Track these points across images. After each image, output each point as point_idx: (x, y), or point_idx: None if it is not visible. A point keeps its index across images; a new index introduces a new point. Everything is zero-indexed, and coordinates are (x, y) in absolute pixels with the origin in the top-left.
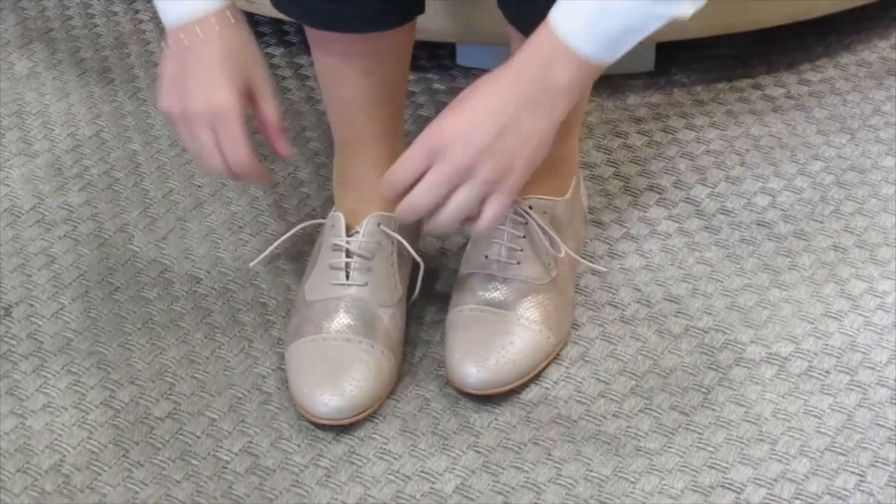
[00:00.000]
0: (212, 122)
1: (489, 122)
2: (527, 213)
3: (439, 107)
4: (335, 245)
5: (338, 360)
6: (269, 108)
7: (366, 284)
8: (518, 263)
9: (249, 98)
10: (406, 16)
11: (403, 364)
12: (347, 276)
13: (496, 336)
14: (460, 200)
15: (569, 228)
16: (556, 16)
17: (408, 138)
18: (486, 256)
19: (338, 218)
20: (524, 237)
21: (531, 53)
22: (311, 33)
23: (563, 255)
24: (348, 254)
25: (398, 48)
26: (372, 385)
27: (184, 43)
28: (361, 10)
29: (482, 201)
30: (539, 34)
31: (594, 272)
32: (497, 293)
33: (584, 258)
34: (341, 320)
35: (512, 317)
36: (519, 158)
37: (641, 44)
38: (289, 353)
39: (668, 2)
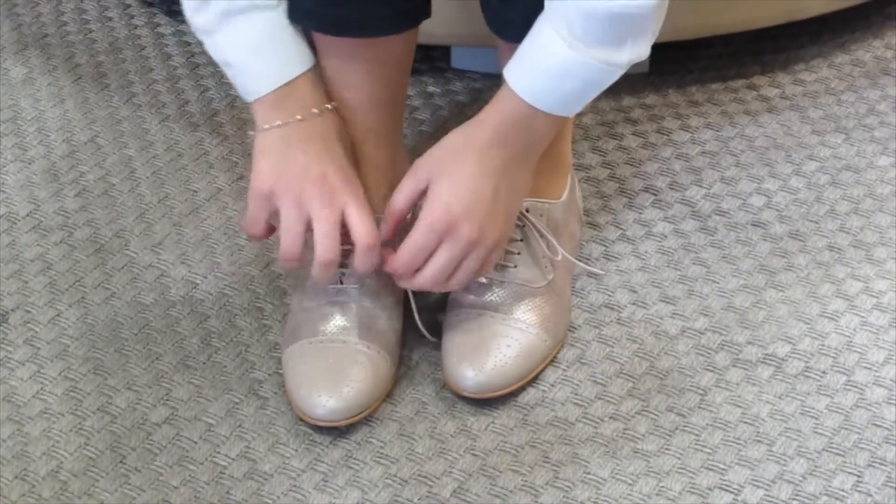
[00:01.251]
0: (321, 198)
1: (486, 191)
2: (524, 216)
3: (434, 110)
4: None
5: (335, 362)
6: (368, 226)
7: (362, 286)
8: (515, 266)
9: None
10: (413, 21)
11: (400, 367)
12: (344, 279)
13: (493, 339)
14: (470, 266)
15: (565, 231)
16: (518, 83)
17: (405, 141)
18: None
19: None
20: (521, 240)
21: (507, 112)
22: (318, 38)
23: (559, 257)
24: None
25: (402, 52)
26: (369, 386)
27: (278, 124)
28: (368, 15)
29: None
30: (507, 98)
31: (590, 274)
32: (494, 296)
33: (580, 260)
34: (337, 322)
35: (509, 320)
36: (513, 214)
37: None
38: (285, 356)
39: (618, 50)
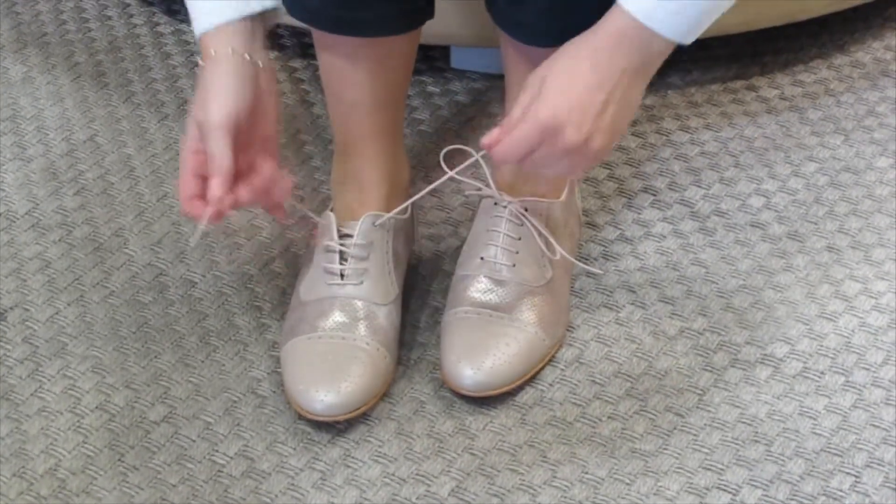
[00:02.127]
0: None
1: (598, 98)
2: (523, 215)
3: (433, 109)
4: (329, 245)
5: (333, 358)
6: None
7: (361, 283)
8: (514, 265)
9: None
10: (416, 21)
11: (399, 366)
12: (342, 276)
13: (492, 338)
14: (564, 166)
15: (564, 230)
16: (645, 16)
17: (406, 141)
18: (482, 258)
19: (331, 217)
20: (520, 239)
21: (625, 24)
22: (319, 36)
23: (558, 257)
24: (343, 253)
25: (404, 52)
26: (368, 382)
27: (201, 61)
28: (372, 15)
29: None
30: (625, 21)
31: (589, 274)
32: (492, 295)
33: (579, 260)
34: (336, 318)
35: (507, 319)
36: (620, 128)
37: None
38: (284, 352)
39: None
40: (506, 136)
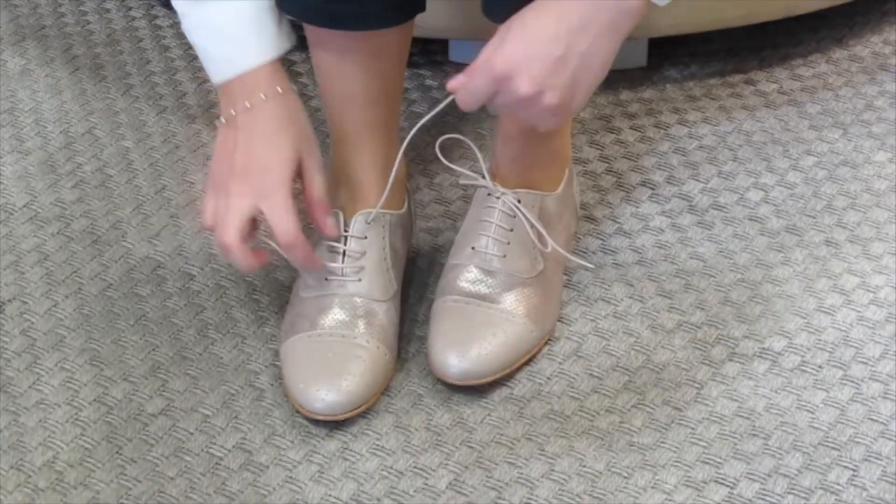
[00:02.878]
0: (258, 195)
1: (554, 50)
2: (515, 206)
3: (431, 103)
4: (328, 241)
5: (333, 356)
6: (316, 185)
7: (360, 280)
8: (504, 256)
9: (299, 173)
10: (407, 14)
11: (397, 359)
12: (341, 272)
13: (479, 327)
14: (527, 118)
15: (559, 223)
16: None
17: (401, 134)
18: (473, 248)
19: (335, 214)
20: (512, 230)
21: None
22: (310, 30)
23: (549, 249)
24: (341, 250)
25: (397, 46)
26: (368, 380)
27: (232, 113)
28: (362, 9)
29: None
30: None
31: (585, 268)
32: (482, 285)
33: (573, 253)
34: (336, 316)
35: (496, 309)
36: (582, 84)
37: (633, 39)
38: (283, 350)
39: None
40: (465, 82)
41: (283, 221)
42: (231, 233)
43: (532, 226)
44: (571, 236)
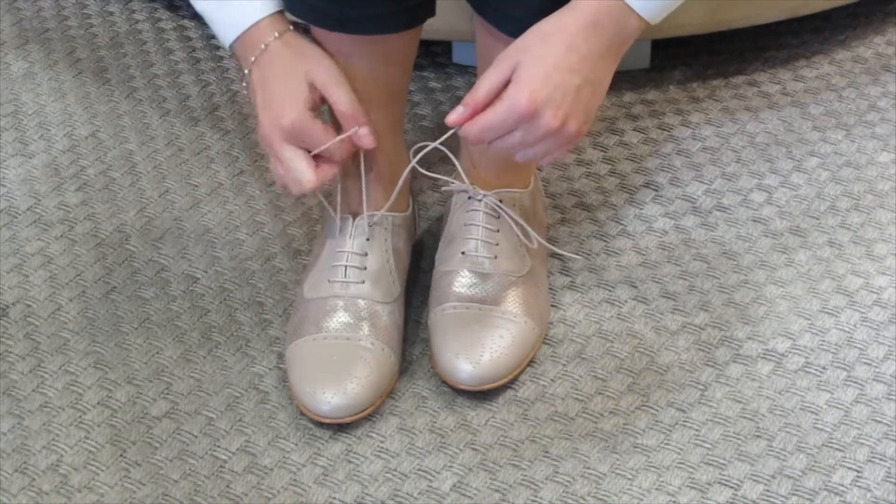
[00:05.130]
0: (292, 141)
1: (573, 80)
2: (498, 206)
3: (435, 105)
4: (333, 243)
5: (339, 359)
6: (339, 100)
7: (363, 282)
8: (495, 258)
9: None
10: (415, 19)
11: (401, 362)
12: (345, 274)
13: (485, 331)
14: (542, 150)
15: (534, 218)
16: None
17: (406, 136)
18: (463, 252)
19: (341, 217)
20: (498, 231)
21: (609, 12)
22: (318, 33)
23: (535, 245)
24: (346, 252)
25: (404, 50)
26: (373, 383)
27: (246, 73)
28: (373, 13)
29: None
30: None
31: (591, 270)
32: (478, 289)
33: (552, 245)
34: (340, 319)
35: (496, 311)
36: (592, 110)
37: (636, 41)
38: (289, 353)
39: None
40: (480, 118)
41: (314, 141)
42: (305, 181)
43: (517, 224)
44: (545, 229)
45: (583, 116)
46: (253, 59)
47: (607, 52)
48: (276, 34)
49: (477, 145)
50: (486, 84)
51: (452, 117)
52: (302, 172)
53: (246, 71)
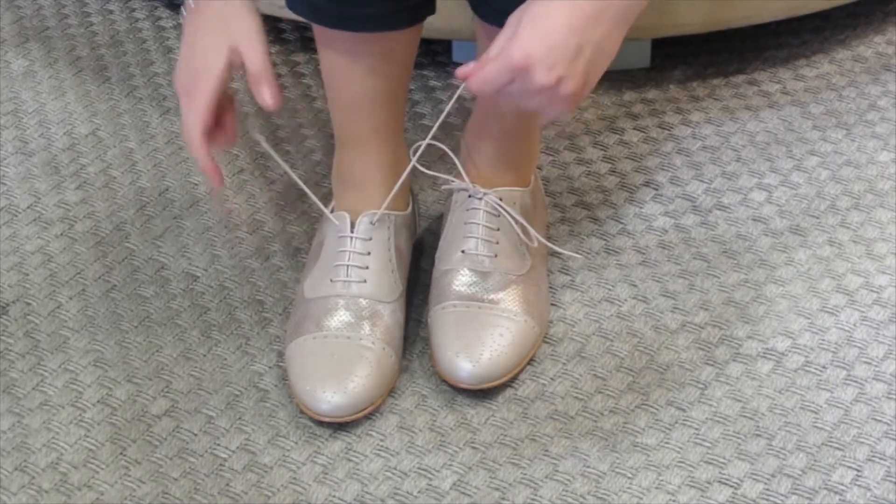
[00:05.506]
0: (191, 95)
1: (571, 40)
2: (498, 205)
3: (435, 104)
4: (334, 242)
5: (339, 358)
6: (251, 57)
7: (365, 281)
8: (495, 256)
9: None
10: (416, 17)
11: (401, 360)
12: (347, 273)
13: (485, 330)
14: (537, 105)
15: (535, 217)
16: None
17: (406, 135)
18: (463, 251)
19: (340, 216)
20: (498, 230)
21: None
22: (319, 31)
23: (535, 244)
24: (347, 251)
25: (405, 48)
26: (374, 381)
27: (186, 16)
28: (373, 11)
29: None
30: None
31: (590, 268)
32: (478, 287)
33: (553, 244)
34: (342, 318)
35: (496, 310)
36: (594, 73)
37: (637, 39)
38: (289, 351)
39: None
40: (479, 70)
41: (251, 56)
42: (188, 137)
43: (517, 223)
44: (546, 228)
45: (581, 79)
46: (183, 10)
47: (613, 17)
48: None
49: (483, 95)
50: (496, 45)
51: (461, 70)
52: (191, 136)
53: (184, 12)
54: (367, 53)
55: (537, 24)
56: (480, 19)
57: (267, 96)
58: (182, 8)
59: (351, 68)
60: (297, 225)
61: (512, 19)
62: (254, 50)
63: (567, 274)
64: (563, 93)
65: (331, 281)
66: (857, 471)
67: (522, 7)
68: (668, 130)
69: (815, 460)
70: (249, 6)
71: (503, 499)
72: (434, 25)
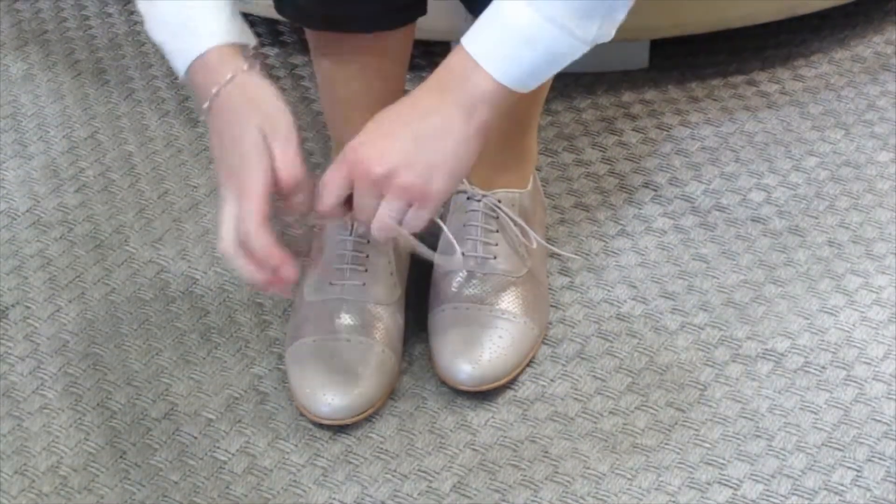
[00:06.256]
0: (235, 194)
1: (405, 131)
2: (497, 207)
3: None
4: (334, 244)
5: (339, 360)
6: (284, 166)
7: (364, 283)
8: (495, 258)
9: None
10: (407, 17)
11: (401, 362)
12: (346, 276)
13: (484, 332)
14: (383, 213)
15: (534, 218)
16: (473, 45)
17: None
18: (463, 253)
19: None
20: (497, 231)
21: (450, 67)
22: (311, 33)
23: (534, 245)
24: (346, 254)
25: (398, 49)
26: (374, 384)
27: (204, 106)
28: (360, 12)
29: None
30: (454, 54)
31: (590, 270)
32: (477, 290)
33: (552, 245)
34: (341, 320)
35: (496, 312)
36: (438, 166)
37: (635, 40)
38: (289, 354)
39: (588, 23)
40: (323, 187)
41: (248, 223)
42: (223, 239)
43: (516, 224)
44: (545, 229)
45: (422, 171)
46: (206, 104)
47: (453, 109)
48: (230, 75)
49: (329, 208)
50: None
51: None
52: (236, 260)
53: (204, 105)
54: (360, 54)
55: (372, 124)
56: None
57: (290, 274)
58: (202, 108)
59: (344, 69)
60: (296, 228)
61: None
62: (283, 150)
63: (566, 275)
64: (401, 183)
65: (330, 283)
66: (857, 471)
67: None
68: (667, 131)
69: (815, 461)
70: (277, 93)
71: (503, 500)
72: (432, 27)
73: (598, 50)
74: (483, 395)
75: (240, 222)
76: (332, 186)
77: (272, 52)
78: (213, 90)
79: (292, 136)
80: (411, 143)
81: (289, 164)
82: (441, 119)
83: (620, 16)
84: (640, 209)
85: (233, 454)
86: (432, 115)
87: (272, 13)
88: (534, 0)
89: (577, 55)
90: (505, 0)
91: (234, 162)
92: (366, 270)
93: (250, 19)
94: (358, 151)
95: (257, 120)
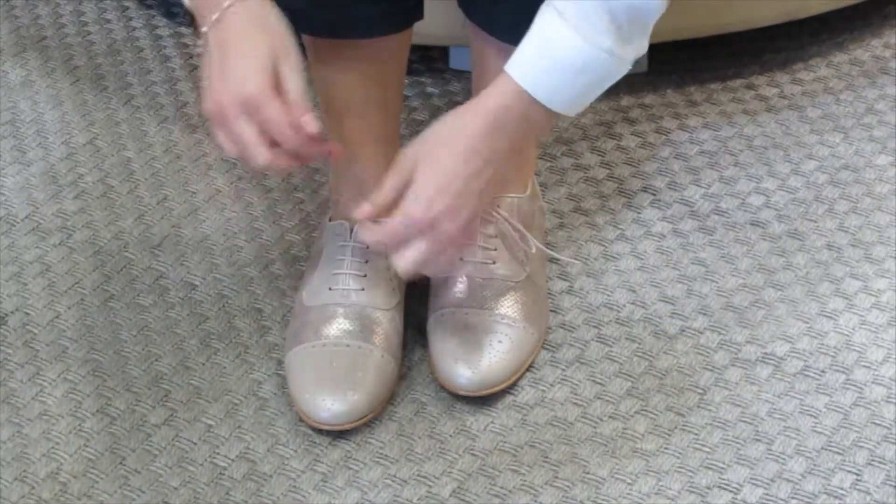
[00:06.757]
0: (247, 113)
1: (473, 187)
2: (496, 212)
3: (433, 110)
4: (333, 250)
5: (338, 366)
6: (291, 88)
7: (363, 289)
8: (494, 263)
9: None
10: (404, 22)
11: (400, 367)
12: (346, 281)
13: (483, 337)
14: (444, 261)
15: (532, 222)
16: (523, 77)
17: (403, 142)
18: (462, 259)
19: (339, 225)
20: (496, 236)
21: (505, 102)
22: (308, 39)
23: (534, 250)
24: (346, 259)
25: (395, 53)
26: (373, 389)
27: (204, 31)
28: (358, 16)
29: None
30: (506, 89)
31: (589, 274)
32: (476, 295)
33: (552, 250)
34: (340, 325)
35: (495, 316)
36: (489, 203)
37: None
38: (288, 359)
39: (629, 47)
40: (383, 226)
41: (272, 119)
42: (260, 159)
43: (515, 229)
44: (544, 234)
45: (479, 209)
46: (215, 16)
47: (509, 150)
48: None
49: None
50: (384, 189)
51: (360, 212)
52: (255, 148)
53: (204, 28)
54: (357, 59)
55: (436, 167)
56: (474, 24)
57: (312, 126)
58: (198, 30)
59: (341, 75)
60: (295, 233)
61: (405, 162)
62: (291, 74)
63: (566, 280)
64: (470, 229)
65: (329, 289)
66: (857, 475)
67: (415, 151)
68: (666, 135)
69: (815, 465)
70: (284, 24)
71: None
72: (431, 32)
73: None
74: (482, 400)
75: (270, 124)
76: (397, 237)
77: None
78: (224, 5)
79: (298, 60)
80: (478, 196)
81: (297, 86)
82: (505, 163)
83: (649, 32)
84: (639, 213)
85: (232, 460)
86: (498, 162)
87: None
88: (581, 28)
89: (623, 73)
90: (550, 27)
91: (238, 75)
92: (365, 276)
93: None
94: (431, 210)
95: (266, 39)
